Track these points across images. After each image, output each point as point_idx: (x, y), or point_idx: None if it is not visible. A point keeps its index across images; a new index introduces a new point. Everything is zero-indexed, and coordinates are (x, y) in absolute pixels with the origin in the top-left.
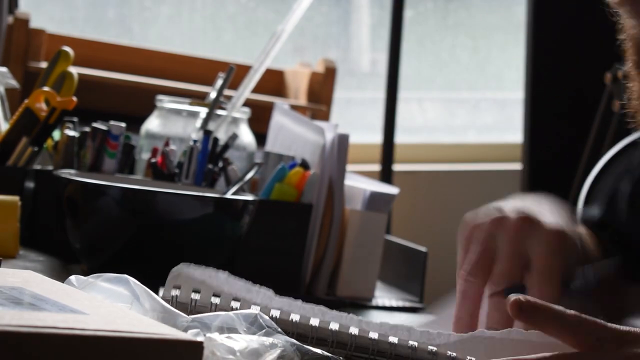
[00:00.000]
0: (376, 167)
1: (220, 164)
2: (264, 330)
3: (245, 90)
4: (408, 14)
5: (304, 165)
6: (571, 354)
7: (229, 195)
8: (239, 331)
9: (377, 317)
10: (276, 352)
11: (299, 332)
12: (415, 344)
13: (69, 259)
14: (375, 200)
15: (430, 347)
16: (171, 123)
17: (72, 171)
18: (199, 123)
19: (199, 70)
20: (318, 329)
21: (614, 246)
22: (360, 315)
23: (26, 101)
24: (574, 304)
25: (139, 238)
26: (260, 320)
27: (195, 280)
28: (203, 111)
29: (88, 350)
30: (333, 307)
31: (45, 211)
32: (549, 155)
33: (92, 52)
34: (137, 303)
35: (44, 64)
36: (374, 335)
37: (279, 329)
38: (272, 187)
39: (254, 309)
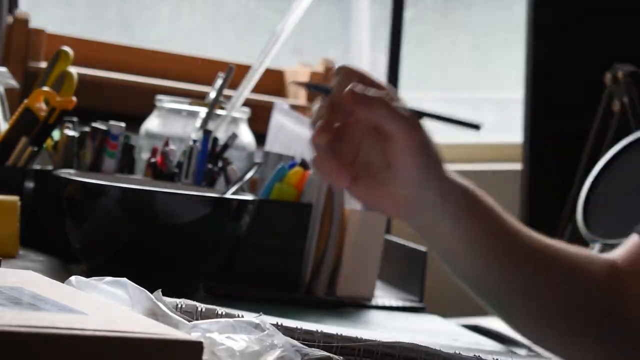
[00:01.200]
0: None
1: (220, 164)
2: (265, 332)
3: (245, 90)
4: (408, 14)
5: (304, 165)
6: None
7: (228, 195)
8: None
9: (377, 317)
10: (276, 353)
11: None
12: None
13: (69, 258)
14: None
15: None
16: (171, 123)
17: (72, 171)
18: (198, 123)
19: (198, 70)
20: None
21: None
22: (360, 315)
23: (26, 101)
24: None
25: (138, 238)
26: (262, 326)
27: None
28: (203, 111)
29: (88, 350)
30: (333, 306)
31: (45, 211)
32: (549, 155)
33: (92, 52)
34: (136, 306)
35: (43, 64)
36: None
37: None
38: (271, 187)
39: (255, 318)
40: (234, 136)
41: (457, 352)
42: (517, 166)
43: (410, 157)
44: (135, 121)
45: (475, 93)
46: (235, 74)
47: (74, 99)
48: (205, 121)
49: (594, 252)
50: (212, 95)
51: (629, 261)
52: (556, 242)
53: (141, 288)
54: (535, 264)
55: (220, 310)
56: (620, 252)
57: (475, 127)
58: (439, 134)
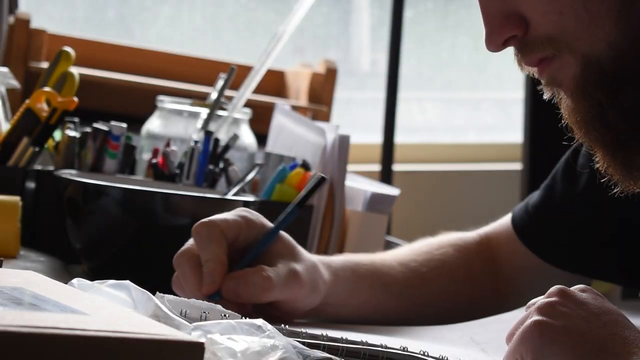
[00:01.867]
0: (376, 167)
1: (221, 165)
2: (266, 333)
3: (246, 91)
4: (408, 14)
5: (305, 166)
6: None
7: (229, 196)
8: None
9: None
10: (277, 354)
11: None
12: (407, 346)
13: (70, 259)
14: (376, 202)
15: (421, 349)
16: (172, 123)
17: (73, 171)
18: (199, 124)
19: (199, 70)
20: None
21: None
22: None
23: (27, 101)
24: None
25: (139, 238)
26: (263, 327)
27: (181, 302)
28: (204, 112)
29: (89, 350)
30: None
31: (46, 211)
32: (549, 155)
33: (93, 52)
34: (138, 309)
35: (45, 64)
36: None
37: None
38: (273, 188)
39: (256, 319)
40: (235, 137)
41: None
42: (517, 166)
43: (299, 308)
44: (136, 122)
45: (475, 93)
46: (236, 74)
47: (76, 99)
48: (206, 122)
49: (454, 236)
50: (214, 96)
51: (499, 233)
52: (418, 253)
53: (143, 290)
54: (414, 294)
55: (225, 313)
56: (494, 225)
57: (321, 180)
58: (439, 134)
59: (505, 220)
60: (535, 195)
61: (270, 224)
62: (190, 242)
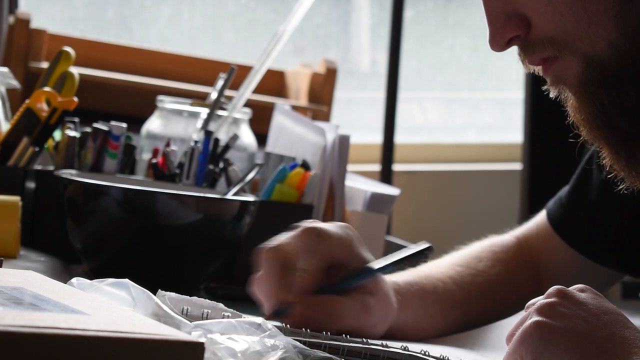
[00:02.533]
0: (376, 167)
1: (221, 165)
2: (266, 333)
3: (246, 91)
4: (408, 14)
5: (305, 166)
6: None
7: (229, 196)
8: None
9: None
10: (277, 354)
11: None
12: (408, 346)
13: (70, 259)
14: (376, 202)
15: (422, 349)
16: (172, 123)
17: (73, 171)
18: (199, 123)
19: (199, 70)
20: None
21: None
22: None
23: (27, 101)
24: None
25: (139, 238)
26: (263, 327)
27: (182, 300)
28: (204, 112)
29: (89, 350)
30: None
31: (46, 211)
32: (549, 155)
33: (93, 52)
34: (138, 307)
35: (45, 64)
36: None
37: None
38: (272, 188)
39: (257, 318)
40: (235, 137)
41: None
42: (517, 166)
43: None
44: (136, 122)
45: (475, 93)
46: (236, 74)
47: (75, 99)
48: (206, 122)
49: (500, 250)
50: (214, 95)
51: (536, 232)
52: (467, 259)
53: (143, 289)
54: (474, 303)
55: (227, 312)
56: (529, 225)
57: (428, 249)
58: (439, 134)
59: (540, 217)
60: (567, 189)
61: (367, 257)
62: (284, 238)
